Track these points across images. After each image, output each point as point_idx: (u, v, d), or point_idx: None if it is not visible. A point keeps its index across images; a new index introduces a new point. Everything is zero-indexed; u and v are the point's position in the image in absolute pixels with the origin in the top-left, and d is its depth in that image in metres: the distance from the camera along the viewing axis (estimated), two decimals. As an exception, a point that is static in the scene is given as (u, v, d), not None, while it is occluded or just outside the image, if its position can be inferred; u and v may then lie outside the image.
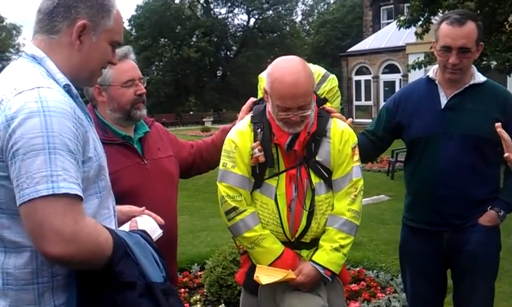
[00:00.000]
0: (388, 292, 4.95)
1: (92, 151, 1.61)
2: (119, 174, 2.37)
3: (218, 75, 48.21)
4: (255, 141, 2.42)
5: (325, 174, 2.46)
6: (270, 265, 2.43)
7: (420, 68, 13.31)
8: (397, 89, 25.24)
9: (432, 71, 2.89)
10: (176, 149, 2.80)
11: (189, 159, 2.86)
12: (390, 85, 25.81)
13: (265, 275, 2.38)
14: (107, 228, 1.57)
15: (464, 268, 2.82)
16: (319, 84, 2.69)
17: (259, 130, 2.44)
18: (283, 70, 2.32)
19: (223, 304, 4.46)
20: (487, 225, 2.76)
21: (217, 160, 2.76)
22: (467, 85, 2.76)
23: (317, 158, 2.44)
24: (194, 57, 39.95)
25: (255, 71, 44.40)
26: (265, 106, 2.51)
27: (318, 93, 2.65)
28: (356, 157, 2.49)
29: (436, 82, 2.84)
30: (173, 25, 41.19)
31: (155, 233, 2.08)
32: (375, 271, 5.47)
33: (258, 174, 2.44)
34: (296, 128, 2.36)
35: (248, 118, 2.54)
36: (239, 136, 2.47)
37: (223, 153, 2.51)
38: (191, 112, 41.31)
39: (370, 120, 13.29)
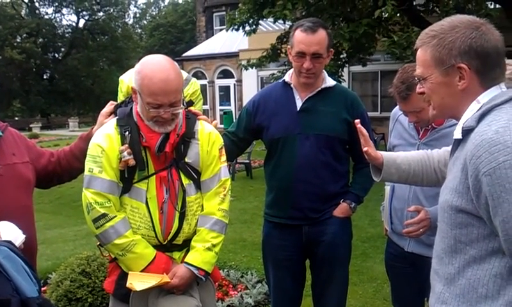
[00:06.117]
0: (239, 289, 5.10)
1: None
2: None
3: (45, 78, 45.43)
4: (122, 144, 2.36)
5: (194, 175, 2.48)
6: (143, 270, 2.38)
7: (252, 68, 14.37)
8: (232, 93, 26.06)
9: (288, 75, 3.07)
10: (33, 156, 2.63)
11: (49, 167, 2.70)
12: (225, 89, 26.51)
13: (139, 282, 2.33)
14: None
15: (322, 257, 3.03)
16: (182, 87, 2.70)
17: (127, 132, 2.37)
18: (153, 66, 2.29)
19: (73, 319, 4.25)
20: (340, 216, 3.00)
21: (77, 168, 2.69)
22: (319, 89, 2.98)
23: (186, 160, 2.45)
24: (18, 59, 37.14)
25: (86, 74, 42.91)
26: (131, 108, 2.45)
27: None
28: (224, 158, 2.55)
29: (292, 85, 3.02)
30: (-7, 24, 37.97)
31: (19, 239, 1.95)
32: (225, 270, 5.60)
33: (127, 178, 2.38)
34: (166, 127, 2.35)
35: (114, 121, 2.46)
36: (106, 140, 2.38)
37: (88, 158, 2.40)
38: (16, 118, 38.33)
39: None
